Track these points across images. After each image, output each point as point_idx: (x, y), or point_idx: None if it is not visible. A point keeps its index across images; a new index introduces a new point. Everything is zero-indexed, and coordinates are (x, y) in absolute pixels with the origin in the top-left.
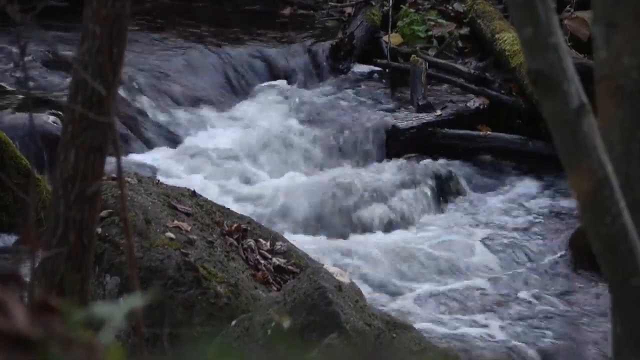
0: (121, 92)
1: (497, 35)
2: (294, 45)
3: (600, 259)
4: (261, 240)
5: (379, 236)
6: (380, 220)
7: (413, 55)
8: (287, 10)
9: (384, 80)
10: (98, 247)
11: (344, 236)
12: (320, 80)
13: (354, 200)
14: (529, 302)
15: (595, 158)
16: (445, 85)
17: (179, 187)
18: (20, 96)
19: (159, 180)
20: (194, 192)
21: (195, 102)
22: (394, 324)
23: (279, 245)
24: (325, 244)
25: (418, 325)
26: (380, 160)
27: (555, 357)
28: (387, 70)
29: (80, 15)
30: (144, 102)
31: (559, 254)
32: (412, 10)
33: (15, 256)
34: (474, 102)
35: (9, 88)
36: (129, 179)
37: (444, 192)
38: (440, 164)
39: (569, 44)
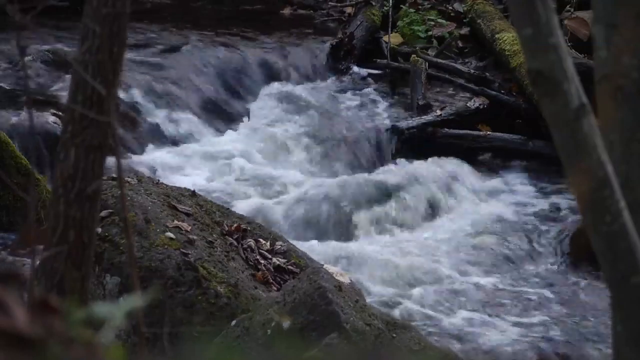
0: (120, 92)
1: (497, 35)
2: (294, 45)
3: (600, 257)
4: (261, 240)
5: (378, 237)
6: (380, 221)
7: (413, 55)
8: (287, 10)
9: (384, 80)
10: (98, 247)
11: (344, 237)
12: (320, 80)
13: (353, 201)
14: (529, 301)
15: (595, 158)
16: (445, 85)
17: (179, 187)
18: (20, 96)
19: (159, 180)
20: (194, 192)
21: (195, 102)
22: (394, 323)
23: (279, 245)
24: (325, 245)
25: (418, 326)
26: (380, 161)
27: (556, 356)
28: (387, 70)
29: (81, 14)
30: (143, 102)
31: (559, 253)
32: (412, 10)
33: (16, 256)
34: (474, 102)
35: (8, 88)
36: (129, 179)
37: (444, 192)
38: (440, 164)
39: (569, 44)
